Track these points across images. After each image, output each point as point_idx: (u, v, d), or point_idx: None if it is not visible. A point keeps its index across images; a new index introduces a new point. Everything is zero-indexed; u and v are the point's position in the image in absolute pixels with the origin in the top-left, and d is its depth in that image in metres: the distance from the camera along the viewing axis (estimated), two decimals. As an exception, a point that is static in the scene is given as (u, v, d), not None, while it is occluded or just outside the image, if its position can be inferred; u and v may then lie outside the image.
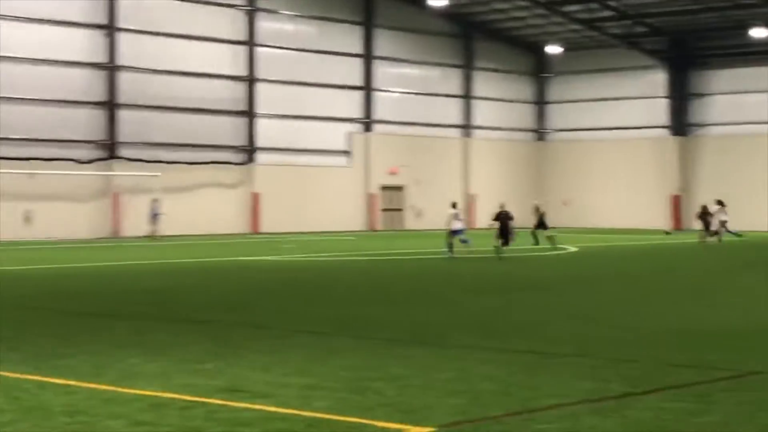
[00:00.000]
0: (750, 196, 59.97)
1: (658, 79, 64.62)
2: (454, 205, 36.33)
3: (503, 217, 34.83)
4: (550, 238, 40.06)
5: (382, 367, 11.54)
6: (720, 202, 46.50)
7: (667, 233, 51.41)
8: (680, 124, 63.94)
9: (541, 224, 41.61)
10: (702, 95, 63.87)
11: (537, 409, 9.27)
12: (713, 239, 43.89)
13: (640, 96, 65.39)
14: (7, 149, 46.94)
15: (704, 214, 45.14)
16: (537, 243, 39.81)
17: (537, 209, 42.10)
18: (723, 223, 45.54)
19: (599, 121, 66.72)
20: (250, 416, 8.91)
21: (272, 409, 9.23)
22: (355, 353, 12.56)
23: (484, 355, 12.50)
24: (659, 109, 64.57)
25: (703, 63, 63.57)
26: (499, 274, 27.27)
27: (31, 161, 47.34)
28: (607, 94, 66.26)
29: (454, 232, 34.42)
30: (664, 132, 64.33)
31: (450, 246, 33.93)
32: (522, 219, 65.61)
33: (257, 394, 9.90)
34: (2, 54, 46.80)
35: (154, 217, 48.16)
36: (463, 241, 34.51)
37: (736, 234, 45.97)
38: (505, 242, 34.15)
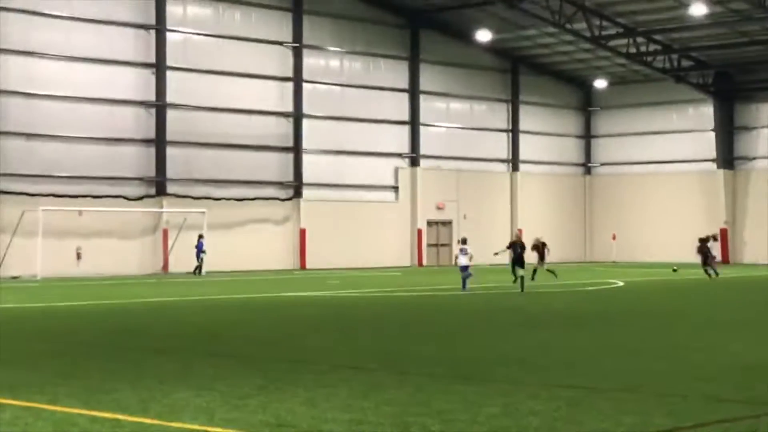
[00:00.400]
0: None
1: (704, 113, 64.34)
2: (463, 241, 36.55)
3: (517, 247, 35.60)
4: (551, 272, 39.72)
5: (426, 402, 11.54)
6: (714, 237, 47.14)
7: (675, 270, 49.70)
8: (727, 157, 63.53)
9: (541, 258, 41.70)
10: (749, 128, 63.47)
11: (581, 444, 9.25)
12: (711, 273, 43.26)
13: (687, 129, 65.14)
14: (58, 187, 47.50)
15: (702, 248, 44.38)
16: (533, 278, 38.81)
17: (538, 243, 41.63)
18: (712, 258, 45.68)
19: (646, 154, 66.48)
20: (294, 450, 8.94)
21: (317, 443, 9.26)
22: (399, 388, 12.57)
23: (528, 390, 12.47)
24: (706, 143, 64.20)
25: (749, 96, 63.22)
26: (544, 309, 27.16)
27: (81, 198, 47.86)
28: (654, 127, 66.07)
29: (462, 268, 34.56)
30: (711, 165, 63.93)
31: (463, 282, 34.19)
32: (569, 253, 65.59)
33: (302, 429, 9.94)
34: (53, 93, 47.47)
35: (200, 253, 48.44)
36: (467, 276, 34.44)
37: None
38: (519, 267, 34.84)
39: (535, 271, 39.88)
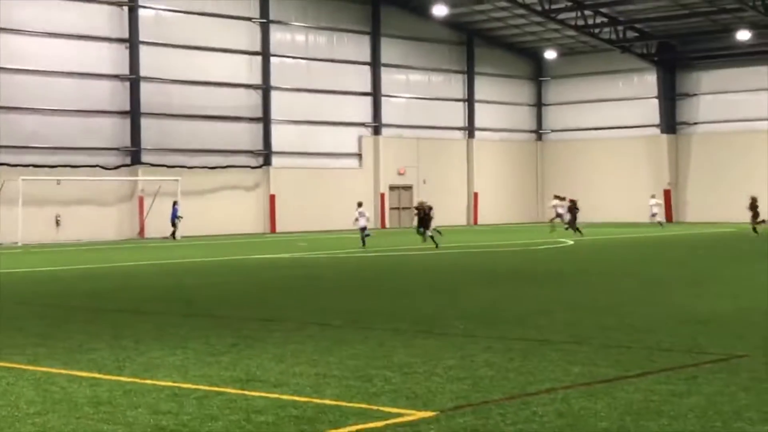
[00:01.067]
0: (734, 190, 59.89)
1: (648, 81, 64.63)
2: (359, 205, 39.37)
3: (421, 212, 37.90)
4: (437, 231, 39.40)
5: (387, 356, 11.58)
6: (559, 197, 49.19)
7: (661, 225, 52.29)
8: (670, 122, 63.94)
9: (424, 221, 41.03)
10: (690, 95, 63.86)
11: (533, 393, 9.31)
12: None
13: (632, 97, 65.43)
14: (37, 157, 47.08)
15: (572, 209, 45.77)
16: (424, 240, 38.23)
17: (421, 207, 40.86)
18: (560, 215, 47.70)
19: (594, 121, 66.77)
20: (264, 404, 8.95)
21: (285, 397, 9.27)
22: (362, 343, 12.60)
23: (483, 343, 12.53)
24: (650, 109, 64.56)
25: (690, 65, 63.57)
26: (498, 267, 27.28)
27: (60, 168, 47.46)
28: (601, 95, 66.32)
29: (361, 229, 37.38)
30: (655, 130, 64.32)
31: (363, 240, 37.01)
32: (522, 215, 65.86)
33: (271, 384, 9.95)
34: (30, 68, 46.94)
35: (175, 219, 48.19)
36: (366, 236, 37.25)
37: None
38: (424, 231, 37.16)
39: (423, 233, 38.49)
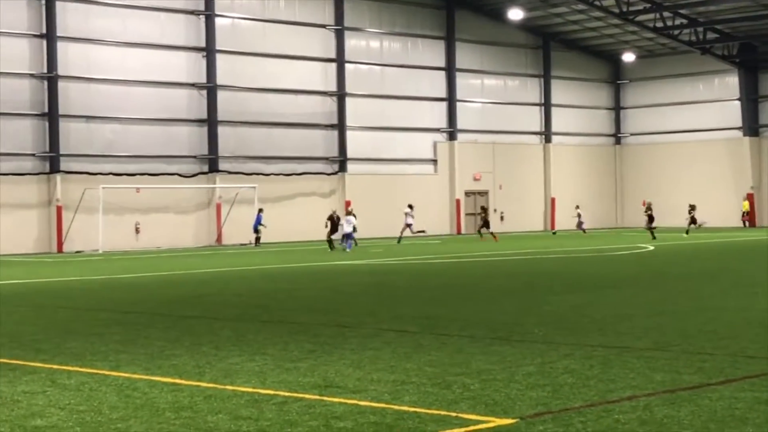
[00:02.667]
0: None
1: (730, 83, 63.69)
2: (348, 213, 43.42)
3: (335, 220, 42.85)
4: (492, 235, 45.99)
5: (465, 362, 11.56)
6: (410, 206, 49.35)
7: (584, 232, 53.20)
8: (752, 125, 62.87)
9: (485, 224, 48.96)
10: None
11: (614, 401, 9.22)
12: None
13: (713, 99, 64.51)
14: (117, 166, 47.90)
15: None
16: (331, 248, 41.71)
17: (331, 217, 44.40)
18: (408, 226, 48.36)
19: (673, 124, 65.97)
20: (343, 410, 8.99)
21: (364, 403, 9.30)
22: (439, 350, 12.59)
23: (563, 350, 12.45)
24: (732, 112, 63.57)
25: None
26: (577, 273, 27.07)
27: (139, 176, 48.21)
28: (681, 98, 65.50)
29: (347, 235, 41.02)
30: (737, 133, 63.30)
31: (348, 244, 40.71)
32: (601, 220, 65.24)
33: (349, 390, 9.99)
34: (110, 77, 47.78)
35: (258, 226, 48.42)
36: (350, 238, 41.07)
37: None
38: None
39: (330, 242, 42.51)
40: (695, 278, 24.24)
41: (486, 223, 50.28)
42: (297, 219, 52.61)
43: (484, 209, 52.88)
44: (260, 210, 48.90)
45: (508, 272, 27.97)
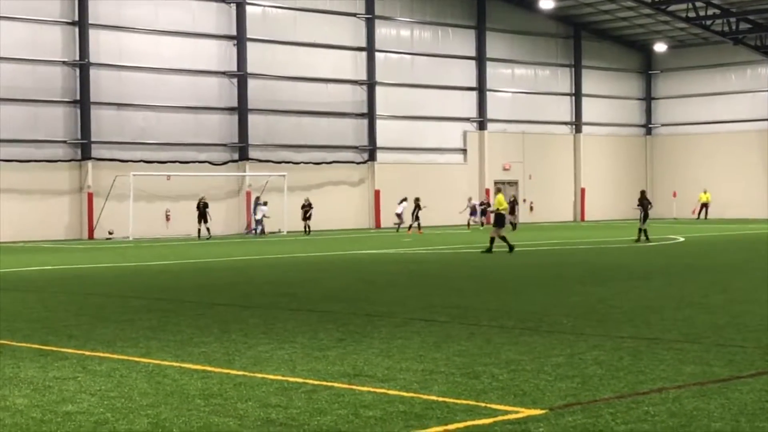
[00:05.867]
0: None
1: (762, 74, 63.21)
2: (260, 201, 48.06)
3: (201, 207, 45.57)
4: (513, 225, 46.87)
5: (494, 352, 11.55)
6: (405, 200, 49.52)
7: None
8: (785, 116, 62.40)
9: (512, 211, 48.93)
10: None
11: (644, 393, 9.18)
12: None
13: (745, 90, 64.02)
14: (148, 153, 48.12)
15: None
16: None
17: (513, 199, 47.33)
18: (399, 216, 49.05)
19: (705, 115, 65.54)
20: (372, 399, 9.00)
21: (393, 392, 9.31)
22: (468, 340, 12.58)
23: (592, 341, 12.41)
24: (764, 103, 63.06)
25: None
26: (607, 263, 26.96)
27: (169, 164, 48.41)
28: (713, 89, 65.06)
29: (258, 221, 46.32)
30: (769, 124, 62.85)
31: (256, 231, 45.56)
32: (631, 211, 64.88)
33: (378, 379, 10.00)
34: (142, 65, 47.96)
35: (254, 215, 48.61)
36: (259, 225, 45.62)
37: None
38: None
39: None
40: (725, 270, 24.07)
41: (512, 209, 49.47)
42: (327, 207, 52.65)
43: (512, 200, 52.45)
44: (259, 200, 48.81)
45: (536, 263, 27.88)
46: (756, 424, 7.90)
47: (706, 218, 59.95)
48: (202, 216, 45.58)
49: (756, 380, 9.69)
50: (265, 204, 47.93)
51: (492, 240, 31.03)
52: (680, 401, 8.74)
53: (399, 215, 49.69)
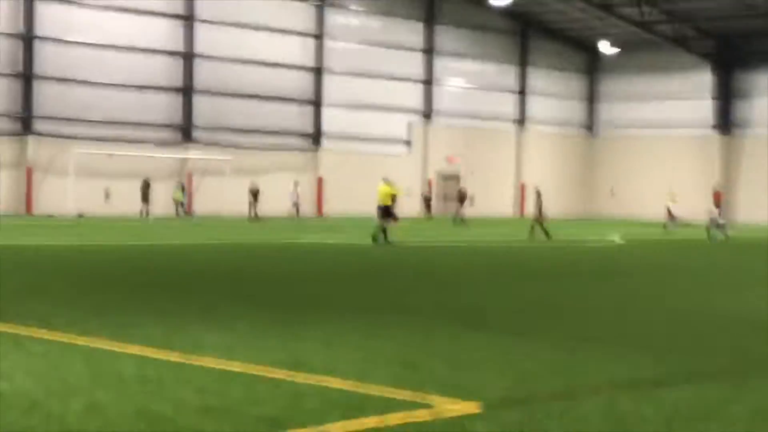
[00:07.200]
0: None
1: (704, 80, 64.03)
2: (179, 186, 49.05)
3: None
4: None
5: (435, 346, 11.59)
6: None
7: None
8: (725, 123, 63.25)
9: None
10: (746, 96, 63.13)
11: (579, 391, 9.26)
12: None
13: (687, 95, 64.84)
14: (91, 130, 47.60)
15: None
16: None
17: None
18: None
19: (648, 118, 66.27)
20: (310, 389, 8.97)
21: (332, 383, 9.29)
22: (409, 332, 12.60)
23: (531, 338, 12.50)
24: (705, 108, 63.94)
25: (747, 64, 62.85)
26: (545, 264, 27.17)
27: (112, 142, 47.91)
28: (656, 92, 65.83)
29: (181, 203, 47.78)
30: (709, 131, 63.68)
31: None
32: (570, 209, 65.52)
33: (318, 369, 9.97)
34: (87, 41, 47.37)
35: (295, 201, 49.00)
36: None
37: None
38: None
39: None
40: (662, 272, 24.38)
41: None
42: (270, 193, 52.45)
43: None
44: (181, 185, 48.81)
45: (476, 259, 28.02)
46: (688, 427, 8.01)
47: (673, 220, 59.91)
48: (146, 196, 45.21)
49: (689, 384, 9.82)
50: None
51: (379, 229, 30.67)
52: (614, 402, 8.83)
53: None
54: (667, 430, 7.92)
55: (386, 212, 30.76)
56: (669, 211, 47.57)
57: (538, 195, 37.76)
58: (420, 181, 59.63)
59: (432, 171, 60.14)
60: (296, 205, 49.62)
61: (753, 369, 10.83)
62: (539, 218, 36.35)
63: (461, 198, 50.08)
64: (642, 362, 10.96)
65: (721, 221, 41.08)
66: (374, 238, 30.12)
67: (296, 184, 50.23)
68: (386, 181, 31.75)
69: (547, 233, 35.50)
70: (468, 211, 60.30)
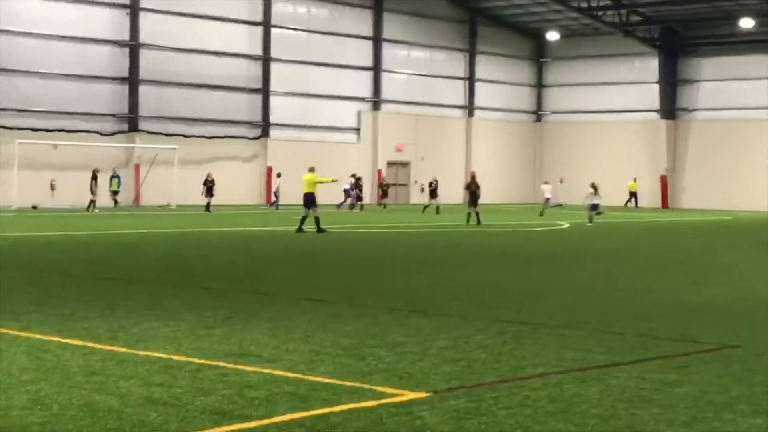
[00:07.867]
0: (731, 178, 60.18)
1: (650, 66, 64.62)
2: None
3: None
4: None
5: (381, 334, 11.60)
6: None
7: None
8: (670, 108, 63.92)
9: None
10: (691, 81, 63.83)
11: (525, 377, 9.33)
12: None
13: (633, 81, 65.43)
14: (35, 121, 47.02)
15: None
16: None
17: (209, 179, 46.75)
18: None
19: (594, 104, 66.80)
20: (257, 379, 8.95)
21: (279, 373, 9.27)
22: (356, 321, 12.61)
23: (477, 325, 12.55)
24: (651, 94, 64.55)
25: (692, 51, 63.52)
26: (493, 248, 27.30)
27: (56, 133, 47.37)
28: (602, 78, 66.32)
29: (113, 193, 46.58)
30: (655, 116, 64.31)
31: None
32: (518, 195, 65.85)
33: (264, 359, 9.95)
34: (30, 30, 46.78)
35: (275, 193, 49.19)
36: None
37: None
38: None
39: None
40: (608, 257, 24.60)
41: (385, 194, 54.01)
42: (218, 183, 52.12)
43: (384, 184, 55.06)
44: (278, 174, 50.04)
45: (427, 245, 28.09)
46: (632, 411, 8.09)
47: (636, 207, 60.59)
48: (94, 188, 44.46)
49: (633, 367, 9.92)
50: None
51: (303, 219, 30.52)
52: (561, 387, 8.90)
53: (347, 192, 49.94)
54: (611, 413, 8.00)
55: (312, 200, 30.67)
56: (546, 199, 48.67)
57: (473, 178, 38.57)
58: (370, 169, 59.62)
59: (382, 159, 60.16)
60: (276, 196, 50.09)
61: (696, 354, 10.96)
62: (473, 202, 36.94)
63: (433, 190, 49.34)
64: (589, 346, 11.06)
65: (595, 202, 40.55)
66: (319, 229, 29.98)
67: (278, 175, 50.36)
68: (310, 170, 31.60)
69: (478, 219, 36.01)
70: (418, 198, 60.55)
